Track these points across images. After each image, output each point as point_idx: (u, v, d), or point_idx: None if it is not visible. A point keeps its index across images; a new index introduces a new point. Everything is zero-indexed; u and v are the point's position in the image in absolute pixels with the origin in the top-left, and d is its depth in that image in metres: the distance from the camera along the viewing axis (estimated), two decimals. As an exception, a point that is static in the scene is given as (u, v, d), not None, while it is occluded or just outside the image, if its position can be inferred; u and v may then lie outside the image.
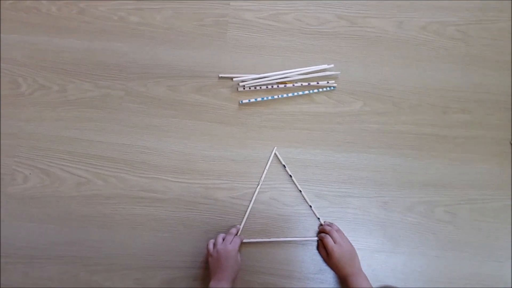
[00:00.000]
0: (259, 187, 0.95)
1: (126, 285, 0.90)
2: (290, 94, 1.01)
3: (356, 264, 0.88)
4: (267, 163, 0.97)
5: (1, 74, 1.01)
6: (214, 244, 0.87)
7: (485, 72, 1.05)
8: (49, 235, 0.92)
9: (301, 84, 1.01)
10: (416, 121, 1.01)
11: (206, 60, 1.03)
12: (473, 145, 1.00)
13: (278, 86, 1.01)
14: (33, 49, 1.03)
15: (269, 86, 1.01)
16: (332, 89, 1.02)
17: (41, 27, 1.04)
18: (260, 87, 1.01)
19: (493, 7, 1.09)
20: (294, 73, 1.01)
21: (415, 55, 1.05)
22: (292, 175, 0.96)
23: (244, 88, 1.01)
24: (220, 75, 1.01)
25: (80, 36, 1.04)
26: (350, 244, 0.89)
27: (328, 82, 1.02)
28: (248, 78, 1.00)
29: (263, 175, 0.96)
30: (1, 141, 0.98)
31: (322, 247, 0.91)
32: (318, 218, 0.94)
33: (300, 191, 0.95)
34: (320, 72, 1.02)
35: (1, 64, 1.02)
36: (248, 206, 0.94)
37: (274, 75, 1.01)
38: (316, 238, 0.93)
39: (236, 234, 0.90)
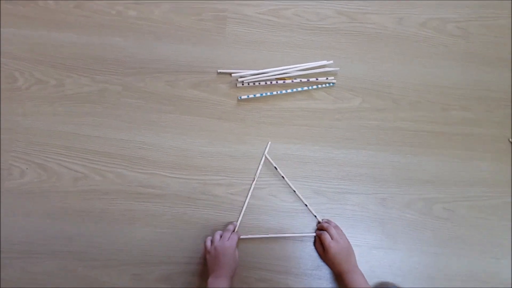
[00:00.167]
0: (254, 183, 0.94)
1: (123, 280, 0.90)
2: (289, 90, 1.01)
3: (352, 261, 0.88)
4: (260, 160, 0.96)
5: (-1, 68, 1.01)
6: (212, 241, 0.87)
7: (485, 69, 1.04)
8: (46, 230, 0.92)
9: (300, 80, 1.01)
10: (416, 118, 1.01)
11: (205, 56, 1.02)
12: (472, 142, 1.00)
13: (277, 82, 1.01)
14: (30, 43, 1.02)
15: (268, 82, 1.01)
16: (331, 86, 1.02)
17: (39, 21, 1.03)
18: (259, 83, 1.01)
19: (493, 4, 1.09)
20: (293, 69, 1.01)
21: (415, 52, 1.05)
22: (284, 176, 0.95)
23: (243, 84, 1.00)
24: (219, 71, 1.01)
25: (77, 30, 1.03)
26: (347, 241, 0.89)
27: (327, 78, 1.01)
28: (247, 73, 1.00)
29: (258, 172, 0.95)
30: (-2, 135, 0.97)
31: (319, 243, 0.91)
32: (315, 216, 0.94)
33: (294, 191, 0.95)
34: (319, 68, 1.02)
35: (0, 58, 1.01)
36: (244, 202, 0.93)
37: (273, 71, 1.00)
38: (313, 234, 0.93)
39: (233, 231, 0.90)
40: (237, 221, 0.92)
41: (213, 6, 1.05)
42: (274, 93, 1.00)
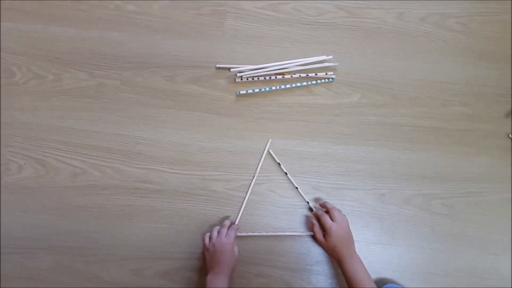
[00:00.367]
0: (254, 179, 0.94)
1: (122, 275, 0.90)
2: (288, 86, 1.00)
3: (352, 246, 0.86)
4: (261, 156, 0.96)
5: (-5, 62, 1.00)
6: (210, 238, 0.87)
7: (484, 65, 1.04)
8: (45, 225, 0.92)
9: (300, 76, 1.01)
10: (415, 113, 1.01)
11: (203, 50, 1.02)
12: (472, 138, 1.00)
13: (276, 77, 1.00)
14: (28, 37, 1.01)
15: (267, 77, 1.00)
16: (331, 81, 1.01)
17: (36, 15, 1.03)
18: (258, 78, 1.00)
19: (493, -1, 1.09)
20: (293, 64, 1.00)
21: (414, 47, 1.05)
22: (287, 172, 0.95)
23: (241, 79, 1.00)
24: (218, 66, 1.00)
25: (75, 25, 1.02)
26: (347, 225, 0.88)
27: (326, 74, 1.01)
28: (245, 69, 0.99)
29: (258, 169, 0.95)
30: (-4, 130, 0.97)
31: (318, 228, 0.89)
32: (311, 210, 0.94)
33: (297, 188, 0.95)
34: (318, 63, 1.01)
35: (-4, 52, 1.01)
36: (244, 198, 0.93)
37: (272, 66, 1.00)
38: (311, 233, 0.92)
39: (230, 226, 0.90)
40: (236, 217, 0.92)
41: (211, 1, 1.05)
42: (273, 88, 1.00)
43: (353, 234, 0.89)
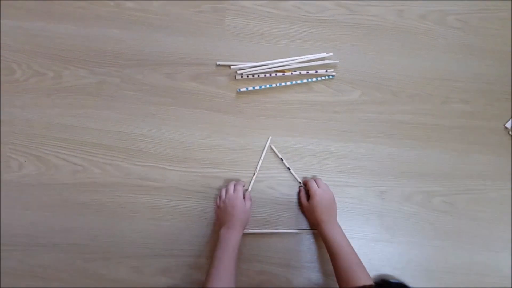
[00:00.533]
0: (255, 176, 0.94)
1: (122, 273, 0.90)
2: (288, 83, 1.00)
3: (333, 214, 0.89)
4: (261, 154, 0.96)
5: (-4, 60, 1.00)
6: (220, 197, 0.89)
7: (484, 62, 1.04)
8: (45, 222, 0.92)
9: (300, 73, 1.01)
10: (415, 110, 1.01)
11: (204, 48, 1.02)
12: (472, 135, 1.00)
13: (276, 75, 1.00)
14: (28, 34, 1.01)
15: (267, 75, 1.00)
16: (331, 78, 1.01)
17: (36, 12, 1.02)
18: (258, 75, 1.00)
19: (494, -4, 1.09)
20: (293, 61, 1.00)
21: (414, 44, 1.04)
22: (290, 168, 0.95)
23: (242, 76, 1.00)
24: (218, 63, 1.00)
25: (75, 22, 1.02)
26: (333, 196, 0.90)
27: (326, 71, 1.01)
28: (246, 66, 0.99)
29: (258, 166, 0.95)
30: (-4, 128, 0.97)
31: (304, 193, 0.92)
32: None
33: (300, 182, 0.95)
34: (319, 60, 1.01)
35: (-4, 50, 1.01)
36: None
37: (273, 63, 1.00)
38: (311, 230, 0.93)
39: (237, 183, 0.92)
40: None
41: (212, -2, 1.05)
42: (274, 85, 1.00)
43: (353, 231, 0.89)
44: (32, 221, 0.92)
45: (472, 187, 0.97)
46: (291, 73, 1.00)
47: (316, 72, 1.01)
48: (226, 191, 0.89)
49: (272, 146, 0.96)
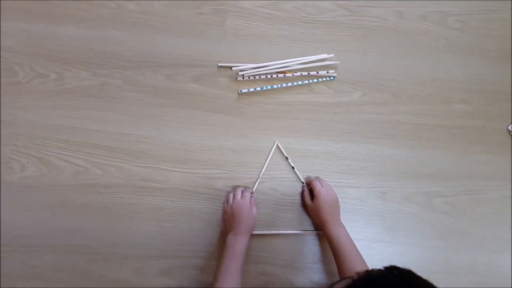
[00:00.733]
0: (258, 181, 0.94)
1: (124, 274, 0.90)
2: (289, 84, 1.00)
3: (337, 214, 0.89)
4: (268, 156, 0.96)
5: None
6: (227, 202, 0.89)
7: (485, 63, 1.04)
8: (47, 224, 0.92)
9: (301, 74, 1.01)
10: (415, 111, 1.01)
11: (205, 49, 1.02)
12: (472, 135, 1.00)
13: (277, 76, 1.01)
14: (30, 36, 1.01)
15: (269, 76, 1.00)
16: (332, 79, 1.02)
17: (38, 14, 1.03)
18: (260, 77, 1.01)
19: (494, -3, 1.09)
20: (294, 62, 1.01)
21: (415, 45, 1.05)
22: (294, 167, 0.96)
23: (243, 78, 1.00)
24: (219, 64, 1.01)
25: (77, 24, 1.02)
26: (336, 196, 0.90)
27: (327, 72, 1.01)
28: (247, 67, 1.00)
29: (264, 168, 0.95)
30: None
31: (307, 193, 0.93)
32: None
33: (303, 182, 0.95)
34: (319, 61, 1.01)
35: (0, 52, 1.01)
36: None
37: (274, 65, 1.00)
38: (312, 231, 0.93)
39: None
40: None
41: (212, 0, 1.05)
42: (275, 86, 1.00)
43: (355, 232, 0.89)
44: (34, 222, 0.92)
45: (472, 188, 0.97)
46: (292, 74, 1.01)
47: (317, 73, 1.01)
48: (234, 197, 0.89)
49: (279, 145, 0.97)
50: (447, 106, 1.01)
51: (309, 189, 0.93)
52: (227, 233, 0.86)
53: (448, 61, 1.04)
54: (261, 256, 0.91)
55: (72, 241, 0.91)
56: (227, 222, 0.87)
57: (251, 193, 0.92)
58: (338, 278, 0.81)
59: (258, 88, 0.99)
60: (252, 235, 0.90)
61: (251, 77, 1.00)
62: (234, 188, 0.93)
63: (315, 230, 0.93)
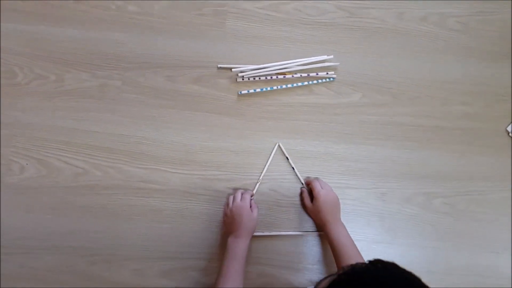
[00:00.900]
0: (258, 184, 0.95)
1: (124, 275, 0.90)
2: (289, 85, 1.00)
3: (337, 214, 0.90)
4: (268, 157, 0.96)
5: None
6: (227, 205, 0.89)
7: (484, 64, 1.05)
8: (47, 225, 0.92)
9: (301, 75, 1.01)
10: (415, 112, 1.01)
11: (205, 50, 1.02)
12: (472, 137, 1.00)
13: (277, 77, 1.01)
14: (30, 38, 1.01)
15: (268, 77, 1.01)
16: (332, 80, 1.02)
17: (38, 16, 1.03)
18: (259, 78, 1.01)
19: (493, -2, 1.09)
20: (294, 64, 1.01)
21: (415, 47, 1.05)
22: (294, 167, 0.96)
23: (243, 79, 1.00)
24: (219, 66, 1.01)
25: (77, 25, 1.02)
26: (336, 196, 0.91)
27: (327, 73, 1.01)
28: (247, 68, 1.00)
29: (265, 169, 0.95)
30: (-1, 131, 0.97)
31: (307, 194, 0.93)
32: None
33: (302, 183, 0.95)
34: (319, 63, 1.01)
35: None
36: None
37: (273, 66, 1.00)
38: (313, 231, 0.93)
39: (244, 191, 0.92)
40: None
41: (213, 1, 1.05)
42: (275, 88, 1.00)
43: (354, 233, 0.89)
44: (34, 224, 0.92)
45: (472, 189, 0.97)
46: (292, 76, 1.01)
47: (317, 74, 1.01)
48: (234, 199, 0.89)
49: (281, 145, 0.97)
50: (446, 107, 1.02)
51: (308, 190, 0.94)
52: (227, 236, 0.86)
53: (447, 63, 1.04)
54: (261, 257, 0.91)
55: (72, 243, 0.91)
56: (228, 225, 0.87)
57: (251, 195, 0.92)
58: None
59: (258, 90, 0.99)
60: (253, 237, 0.90)
61: (251, 79, 1.00)
62: (234, 190, 0.93)
63: (316, 231, 0.93)
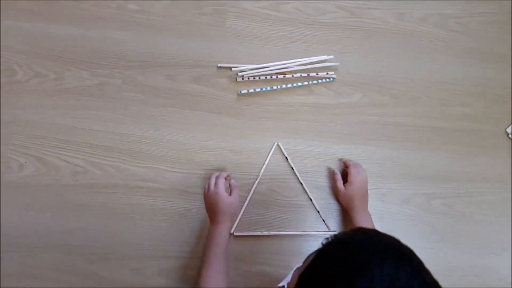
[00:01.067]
0: (258, 180, 0.94)
1: (122, 274, 0.90)
2: (289, 85, 1.01)
3: (366, 202, 0.91)
4: (267, 156, 0.96)
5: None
6: (204, 193, 0.87)
7: (484, 65, 1.05)
8: (45, 224, 0.91)
9: (301, 75, 1.01)
10: (415, 113, 1.01)
11: (205, 50, 1.02)
12: (472, 138, 1.00)
13: (277, 77, 1.01)
14: (29, 36, 1.01)
15: (268, 77, 1.01)
16: (332, 81, 1.02)
17: (37, 14, 1.03)
18: (259, 78, 1.01)
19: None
20: (294, 63, 1.01)
21: (415, 47, 1.05)
22: (293, 167, 0.96)
23: (243, 78, 1.00)
24: (219, 65, 1.01)
25: (77, 24, 1.02)
26: (367, 184, 0.92)
27: (327, 73, 1.01)
28: (247, 68, 1.00)
29: (264, 167, 0.95)
30: (-2, 129, 0.97)
31: (339, 177, 0.93)
32: (318, 212, 0.94)
33: (301, 183, 0.95)
34: (319, 63, 1.02)
35: (-2, 51, 1.01)
36: (247, 197, 0.93)
37: (273, 66, 1.00)
38: (316, 232, 0.93)
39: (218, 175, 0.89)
40: (237, 216, 0.92)
41: (213, 0, 1.05)
42: (274, 87, 1.00)
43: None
44: (32, 222, 0.92)
45: (471, 190, 0.97)
46: (292, 76, 1.01)
47: (317, 74, 1.01)
48: (208, 187, 0.86)
49: (280, 145, 0.97)
50: (446, 108, 1.02)
51: (342, 173, 0.94)
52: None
53: (447, 64, 1.04)
54: (259, 257, 0.91)
55: (70, 241, 0.91)
56: (208, 212, 0.87)
57: (227, 177, 0.90)
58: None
59: (258, 89, 0.99)
60: (251, 236, 0.90)
61: (251, 78, 1.00)
62: (210, 176, 0.90)
63: (317, 231, 0.93)
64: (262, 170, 0.95)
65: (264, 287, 0.89)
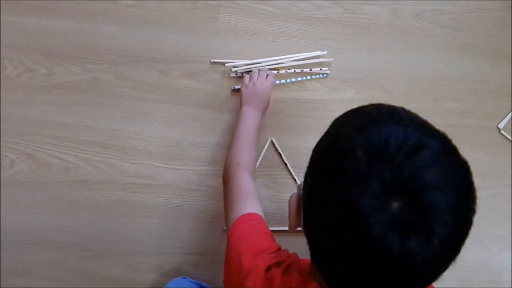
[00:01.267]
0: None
1: (116, 271, 0.90)
2: (282, 81, 1.00)
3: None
4: (261, 152, 0.96)
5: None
6: (251, 78, 0.92)
7: (478, 61, 1.05)
8: (38, 220, 0.91)
9: (294, 71, 1.01)
10: (408, 109, 1.01)
11: (198, 45, 1.01)
12: (465, 133, 1.00)
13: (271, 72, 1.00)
14: (20, 30, 1.00)
15: (262, 72, 1.00)
16: (325, 76, 1.02)
17: (28, 7, 1.01)
18: (253, 73, 1.00)
19: (487, -4, 1.09)
20: (287, 59, 1.00)
21: (408, 43, 1.05)
22: (287, 163, 0.95)
23: (236, 74, 1.00)
24: (212, 60, 1.00)
25: (68, 18, 1.01)
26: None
27: (321, 69, 1.01)
28: (240, 63, 0.99)
29: (257, 164, 0.95)
30: (-13, 125, 0.95)
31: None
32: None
33: (295, 179, 0.95)
34: (313, 58, 1.01)
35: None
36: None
37: (267, 61, 1.00)
38: (299, 229, 0.93)
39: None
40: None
41: (206, -5, 1.04)
42: (268, 83, 0.99)
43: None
44: (24, 219, 0.91)
45: (464, 185, 0.98)
46: (286, 71, 1.00)
47: (311, 70, 1.01)
48: (259, 76, 0.92)
49: (274, 141, 0.97)
50: (439, 104, 1.02)
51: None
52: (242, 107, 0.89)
53: (441, 59, 1.04)
54: (253, 253, 0.91)
55: (63, 238, 0.91)
56: (246, 97, 0.90)
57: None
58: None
59: (252, 85, 0.99)
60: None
61: (245, 74, 1.00)
62: (261, 69, 0.95)
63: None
64: (256, 166, 0.95)
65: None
